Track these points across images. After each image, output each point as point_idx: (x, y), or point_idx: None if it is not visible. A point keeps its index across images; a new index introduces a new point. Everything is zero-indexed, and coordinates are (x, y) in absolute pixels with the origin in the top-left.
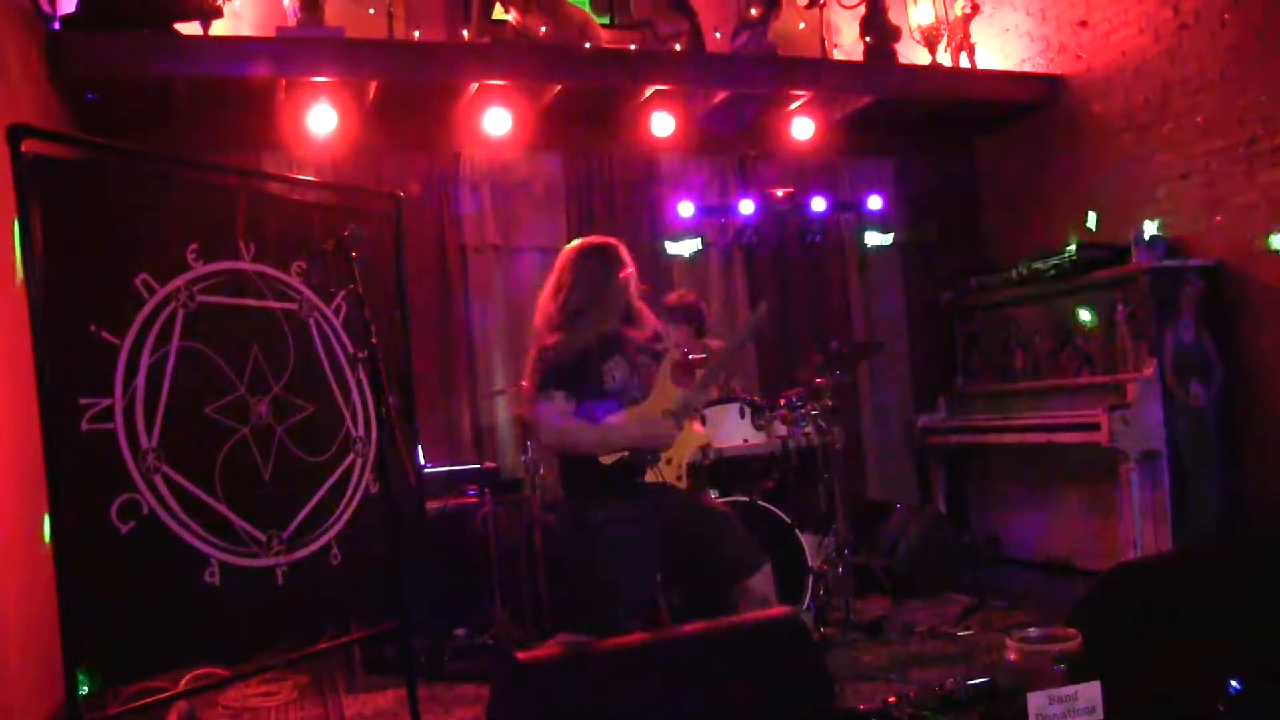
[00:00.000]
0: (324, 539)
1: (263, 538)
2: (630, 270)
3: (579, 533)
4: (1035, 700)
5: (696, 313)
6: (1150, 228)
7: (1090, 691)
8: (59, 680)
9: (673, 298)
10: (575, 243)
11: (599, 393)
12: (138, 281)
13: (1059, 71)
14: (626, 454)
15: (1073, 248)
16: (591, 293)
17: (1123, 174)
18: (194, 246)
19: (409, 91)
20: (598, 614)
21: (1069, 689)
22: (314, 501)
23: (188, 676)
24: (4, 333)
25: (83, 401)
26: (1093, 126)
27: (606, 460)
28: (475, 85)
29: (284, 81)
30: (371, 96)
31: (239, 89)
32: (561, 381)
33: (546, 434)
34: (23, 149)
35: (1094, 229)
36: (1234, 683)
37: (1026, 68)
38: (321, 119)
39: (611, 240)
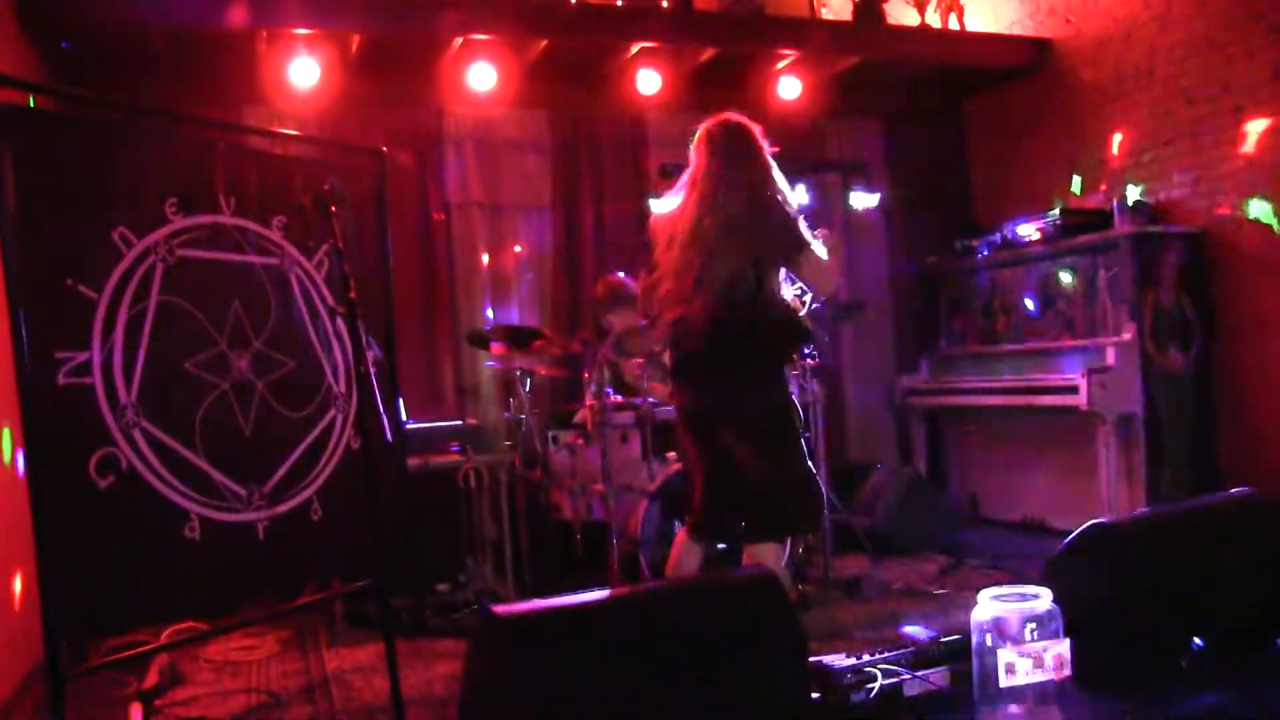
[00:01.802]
0: (305, 494)
1: (243, 492)
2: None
3: (787, 419)
4: (1006, 657)
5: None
6: (1134, 193)
7: (1060, 649)
8: (39, 636)
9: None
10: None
11: None
12: (115, 235)
13: (1048, 35)
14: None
15: (1057, 212)
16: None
17: (1109, 139)
18: (173, 200)
19: (392, 45)
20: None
21: (1039, 646)
22: (295, 457)
23: (169, 630)
24: None
25: (59, 355)
26: (1080, 91)
27: None
28: (459, 40)
29: (264, 33)
30: (354, 50)
31: (219, 39)
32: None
33: (831, 283)
34: None
35: (1078, 193)
36: (1197, 640)
37: (1016, 31)
38: (303, 72)
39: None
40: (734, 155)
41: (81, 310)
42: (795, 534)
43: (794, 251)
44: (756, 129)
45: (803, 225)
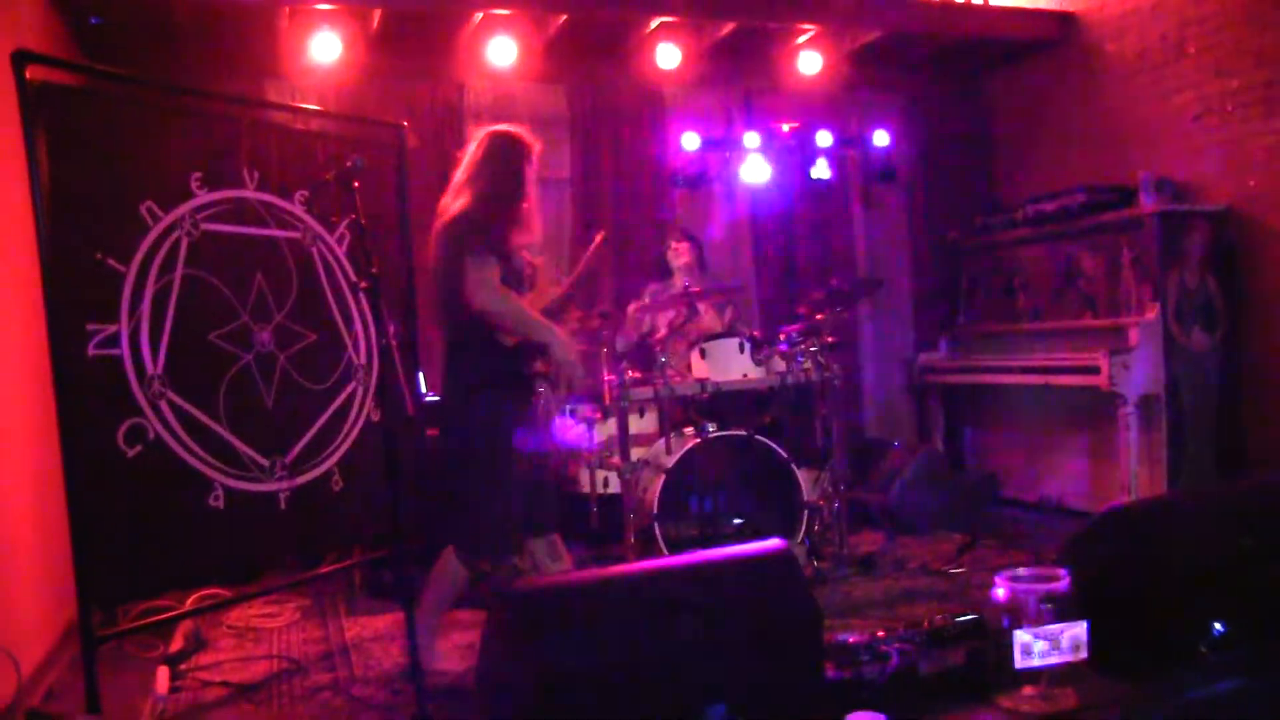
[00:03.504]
0: (326, 465)
1: (266, 463)
2: (534, 168)
3: (490, 431)
4: (1021, 638)
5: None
6: (1160, 171)
7: (1076, 630)
8: (71, 600)
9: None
10: (496, 128)
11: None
12: (143, 209)
13: (1073, 8)
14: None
15: (1080, 189)
16: (507, 175)
17: (1135, 115)
18: (198, 175)
19: (413, 20)
20: (493, 532)
21: (1055, 627)
22: (316, 428)
23: (193, 597)
24: (14, 259)
25: (89, 327)
26: (1106, 66)
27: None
28: (480, 15)
29: (286, 8)
30: (375, 25)
31: (242, 14)
32: (486, 244)
33: (487, 299)
34: (27, 75)
35: (1103, 170)
36: (1217, 625)
37: (1040, 4)
38: (325, 47)
39: (527, 137)
40: (479, 163)
41: (110, 283)
42: (463, 553)
43: (460, 255)
44: (525, 147)
45: (486, 238)
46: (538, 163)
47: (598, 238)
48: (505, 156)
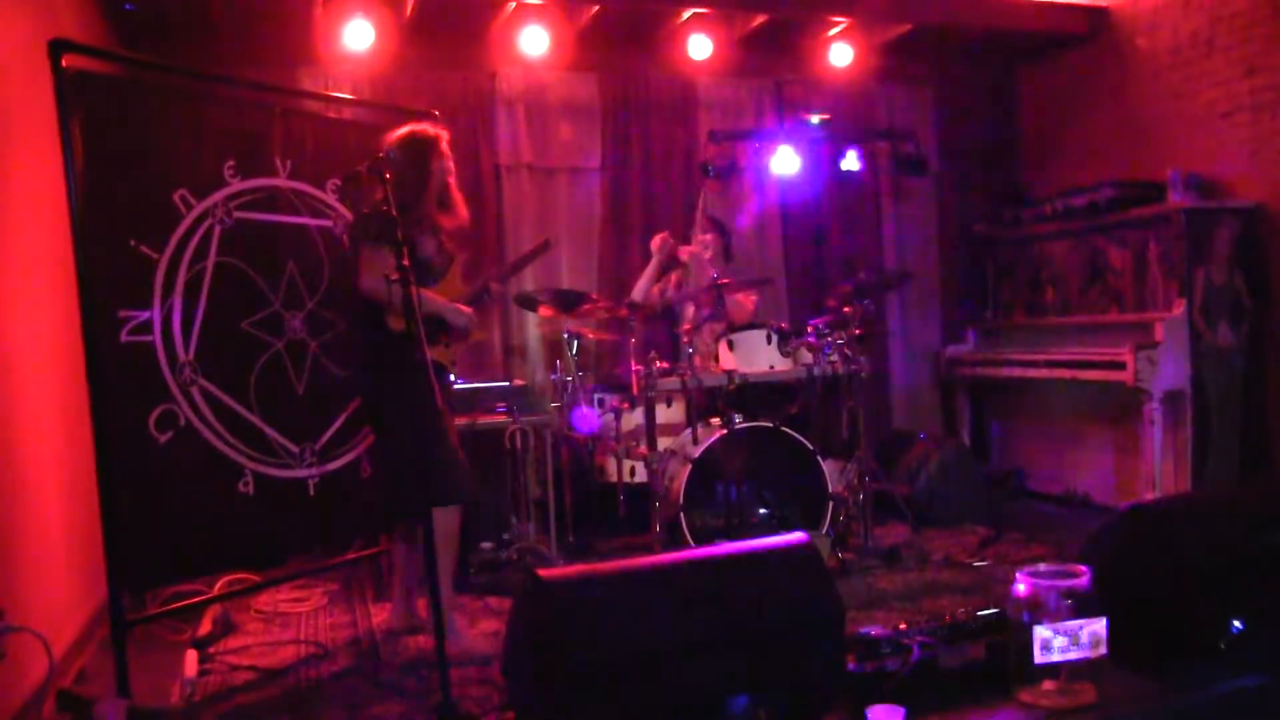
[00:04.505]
0: (355, 452)
1: (295, 450)
2: (448, 160)
3: (381, 406)
4: (1041, 633)
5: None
6: (1188, 167)
7: (1095, 627)
8: (101, 582)
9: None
10: (403, 129)
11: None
12: (176, 197)
13: (1104, 3)
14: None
15: (1108, 184)
16: (412, 172)
17: (1164, 110)
18: (231, 163)
19: (446, 9)
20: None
21: (1075, 623)
22: (345, 415)
23: (222, 581)
24: (49, 246)
25: (122, 314)
26: (1137, 61)
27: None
28: (512, 4)
29: None
30: (409, 13)
31: (274, 2)
32: (386, 236)
33: (369, 281)
34: (63, 64)
35: (1131, 166)
36: (1237, 623)
37: None
38: (358, 35)
39: (432, 130)
40: (395, 161)
41: (143, 270)
42: (394, 518)
43: (355, 242)
44: (430, 140)
45: (378, 229)
46: (449, 149)
47: (541, 240)
48: (410, 152)
